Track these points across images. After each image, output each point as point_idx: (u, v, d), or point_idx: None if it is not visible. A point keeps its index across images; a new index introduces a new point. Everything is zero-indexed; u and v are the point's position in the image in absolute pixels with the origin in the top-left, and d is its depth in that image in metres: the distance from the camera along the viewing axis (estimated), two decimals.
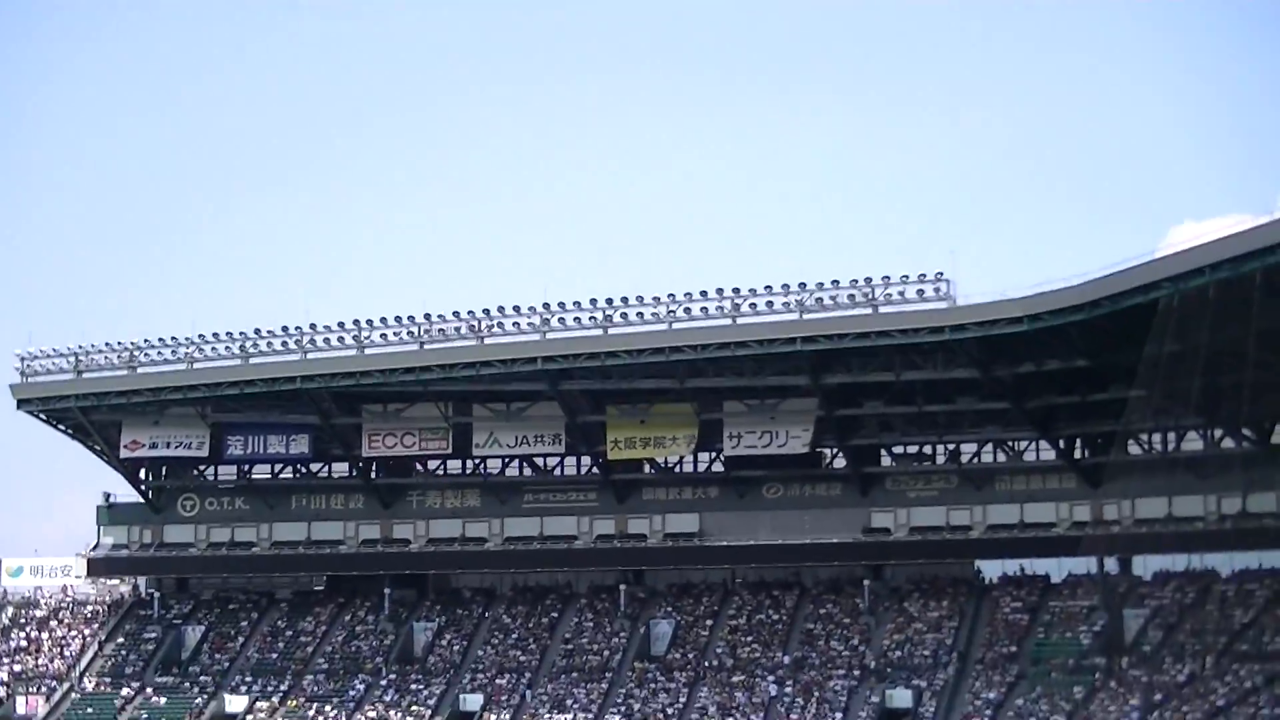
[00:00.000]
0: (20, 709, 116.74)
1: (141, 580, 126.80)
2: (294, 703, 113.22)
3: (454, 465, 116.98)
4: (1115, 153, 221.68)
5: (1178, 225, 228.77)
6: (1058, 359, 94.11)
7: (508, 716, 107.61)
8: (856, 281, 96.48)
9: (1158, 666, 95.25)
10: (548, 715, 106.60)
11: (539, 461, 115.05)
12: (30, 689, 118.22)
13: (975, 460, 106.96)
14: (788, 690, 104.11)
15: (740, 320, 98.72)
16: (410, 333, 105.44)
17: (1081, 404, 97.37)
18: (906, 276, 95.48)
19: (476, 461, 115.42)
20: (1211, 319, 78.65)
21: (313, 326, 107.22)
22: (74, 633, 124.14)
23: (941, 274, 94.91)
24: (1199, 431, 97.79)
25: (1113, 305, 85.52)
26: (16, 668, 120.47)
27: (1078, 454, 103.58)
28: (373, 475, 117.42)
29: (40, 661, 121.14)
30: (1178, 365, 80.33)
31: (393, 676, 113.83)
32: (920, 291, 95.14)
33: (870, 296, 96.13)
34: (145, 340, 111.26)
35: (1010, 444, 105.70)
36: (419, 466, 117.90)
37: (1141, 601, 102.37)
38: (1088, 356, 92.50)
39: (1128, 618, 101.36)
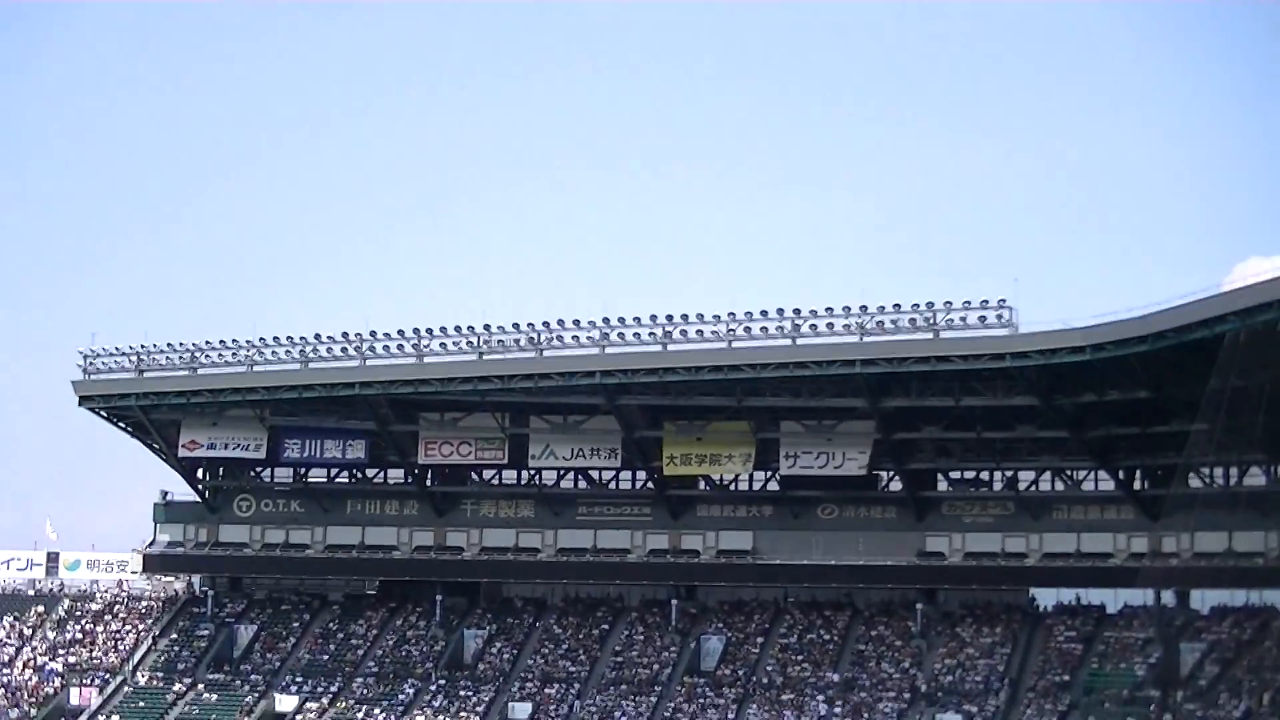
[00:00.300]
0: (74, 700, 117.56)
1: (196, 578, 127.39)
2: (343, 704, 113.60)
3: (509, 475, 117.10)
4: (1182, 186, 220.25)
5: (1243, 261, 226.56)
6: (1119, 390, 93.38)
7: None
8: (918, 306, 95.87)
9: (1213, 702, 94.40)
10: None
11: (594, 474, 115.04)
12: (84, 680, 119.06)
13: (1033, 488, 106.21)
14: (837, 710, 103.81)
15: (800, 341, 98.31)
16: (469, 342, 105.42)
17: (1142, 435, 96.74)
18: (969, 302, 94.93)
19: (531, 472, 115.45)
20: (1277, 355, 77.85)
21: (372, 333, 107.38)
22: (128, 627, 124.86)
23: (1004, 301, 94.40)
24: (1261, 467, 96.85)
25: (1177, 338, 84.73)
26: (71, 659, 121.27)
27: (1137, 485, 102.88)
28: (428, 482, 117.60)
29: (94, 654, 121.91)
30: (1241, 400, 79.53)
31: (442, 682, 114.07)
32: (982, 318, 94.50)
33: (931, 321, 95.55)
34: (206, 342, 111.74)
35: (1069, 473, 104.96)
36: (474, 475, 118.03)
37: (1198, 636, 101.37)
38: (1149, 388, 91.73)
39: (1184, 651, 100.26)
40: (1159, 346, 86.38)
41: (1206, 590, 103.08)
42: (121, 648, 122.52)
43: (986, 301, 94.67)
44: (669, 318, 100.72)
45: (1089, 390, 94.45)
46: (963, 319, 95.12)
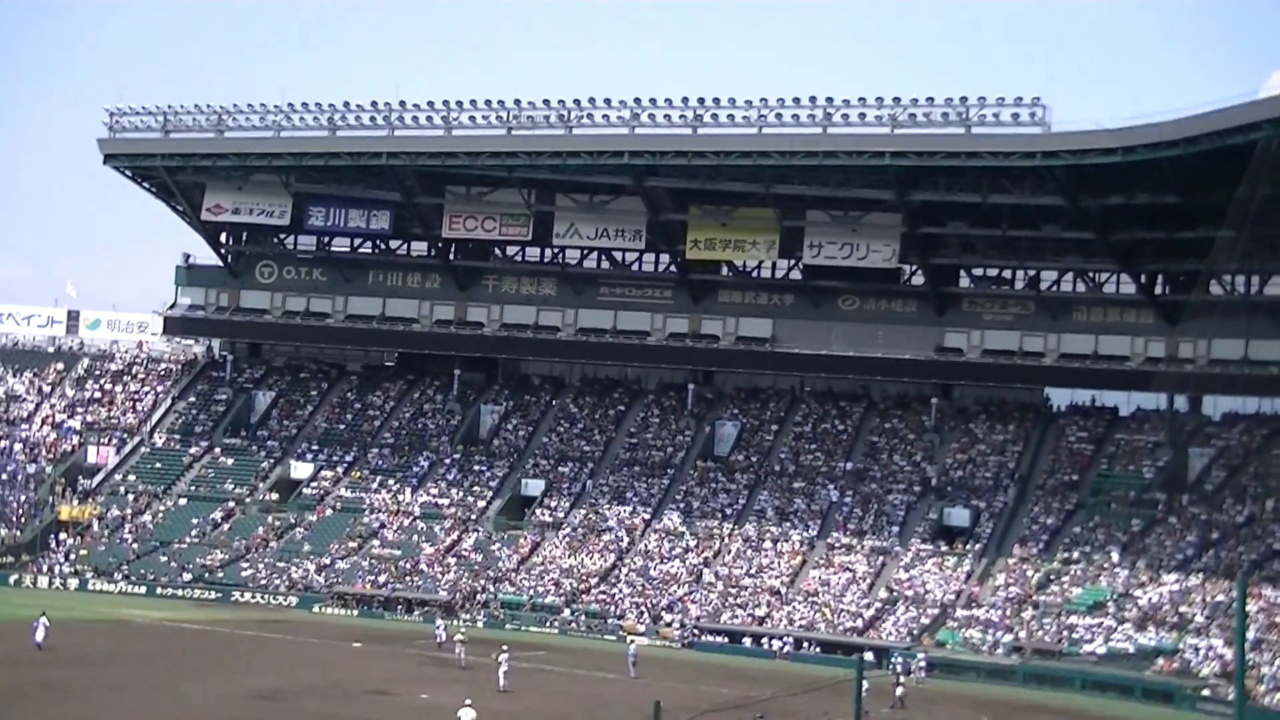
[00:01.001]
0: (91, 458, 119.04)
1: (215, 342, 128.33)
2: (358, 474, 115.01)
3: (532, 253, 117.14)
4: None
5: None
6: (1147, 193, 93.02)
7: (567, 504, 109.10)
8: (951, 100, 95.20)
9: (1218, 506, 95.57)
10: (607, 506, 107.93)
11: (617, 256, 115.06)
12: (101, 439, 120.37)
13: (1054, 288, 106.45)
14: (847, 500, 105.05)
15: (830, 130, 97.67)
16: (499, 117, 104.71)
17: (1167, 240, 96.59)
18: (1002, 98, 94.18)
19: (555, 251, 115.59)
20: None
21: (401, 104, 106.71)
22: (146, 388, 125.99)
23: (1038, 99, 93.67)
24: None
25: (1209, 143, 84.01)
26: (89, 418, 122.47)
27: (1158, 290, 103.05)
28: (451, 256, 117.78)
29: (112, 414, 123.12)
30: (1269, 209, 79.16)
31: (457, 456, 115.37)
32: (1015, 115, 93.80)
33: (964, 116, 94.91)
34: (234, 105, 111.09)
35: (1091, 275, 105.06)
36: (497, 251, 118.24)
37: (1208, 441, 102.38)
38: (1178, 193, 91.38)
39: (1192, 456, 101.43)
40: (1191, 151, 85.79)
41: (1220, 397, 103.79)
42: (140, 408, 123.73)
43: (1020, 98, 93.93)
44: (700, 100, 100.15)
45: (1117, 192, 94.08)
46: (995, 115, 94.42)
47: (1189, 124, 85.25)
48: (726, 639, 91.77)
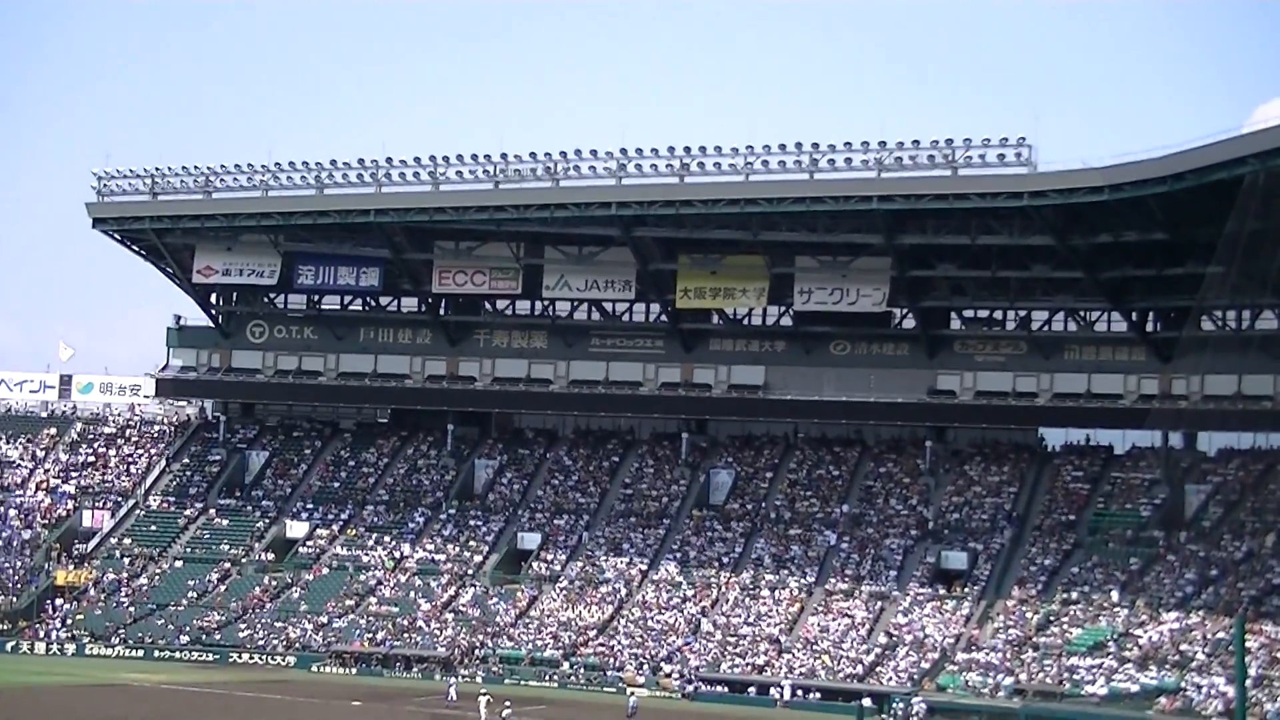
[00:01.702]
0: (86, 522, 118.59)
1: (208, 403, 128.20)
2: (353, 532, 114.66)
3: (523, 306, 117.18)
4: (1206, 26, 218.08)
5: (1265, 104, 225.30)
6: (1136, 231, 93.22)
7: (564, 556, 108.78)
8: (937, 143, 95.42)
9: (1216, 542, 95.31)
10: (604, 557, 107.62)
11: (608, 306, 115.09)
12: (96, 503, 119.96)
13: (1045, 328, 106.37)
14: (843, 546, 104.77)
15: (817, 175, 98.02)
16: (486, 171, 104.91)
17: (1157, 277, 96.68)
18: (988, 140, 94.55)
19: (545, 303, 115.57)
20: None
21: (389, 160, 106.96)
22: (140, 451, 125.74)
23: (1024, 139, 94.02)
24: (1274, 311, 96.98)
25: (1196, 179, 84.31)
26: (84, 482, 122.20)
27: (1149, 327, 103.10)
28: (441, 311, 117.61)
29: (107, 477, 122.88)
30: (1258, 244, 79.22)
31: (452, 511, 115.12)
32: (1001, 155, 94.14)
33: (950, 158, 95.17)
34: (221, 166, 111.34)
35: (1082, 314, 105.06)
36: (488, 305, 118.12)
37: (1204, 477, 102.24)
38: (1166, 230, 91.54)
39: (1189, 493, 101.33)
40: (1178, 188, 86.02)
41: (1214, 432, 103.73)
42: (134, 471, 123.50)
43: (1006, 139, 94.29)
44: (686, 149, 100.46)
45: (1105, 231, 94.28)
46: (981, 156, 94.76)
47: (1175, 161, 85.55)
48: (727, 688, 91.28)
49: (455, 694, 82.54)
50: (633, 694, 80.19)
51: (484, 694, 75.98)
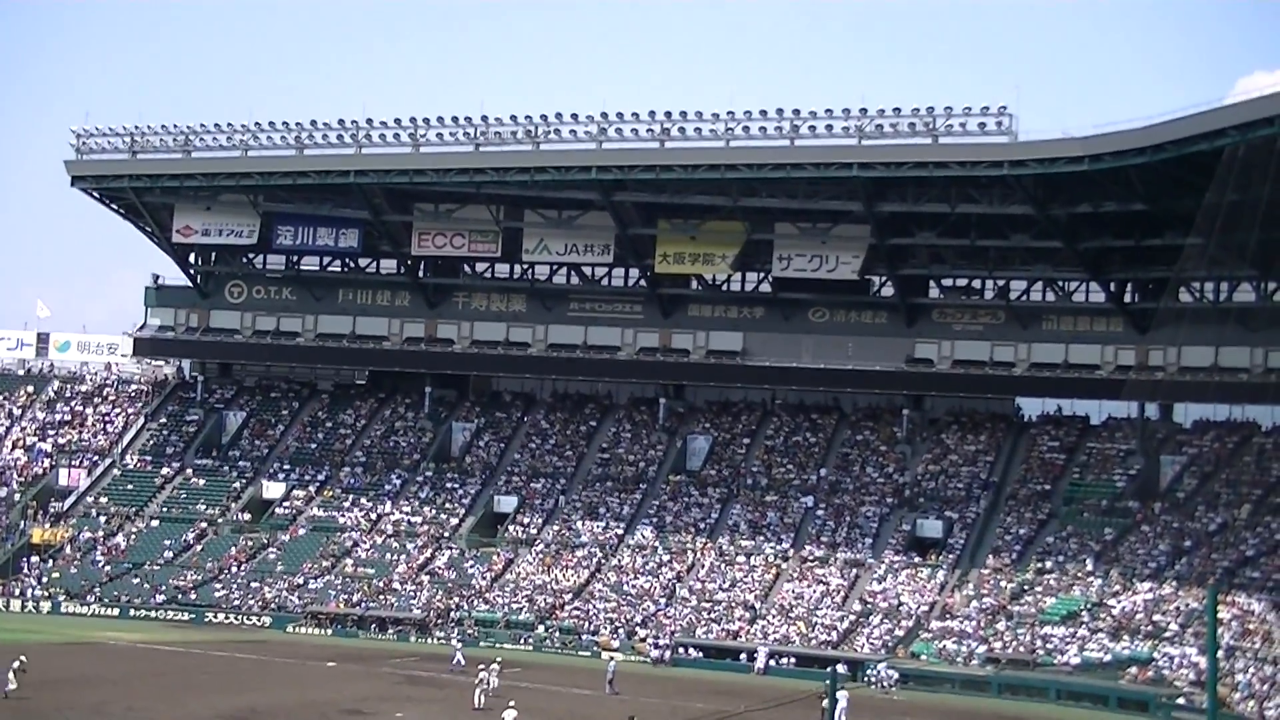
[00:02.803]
0: (63, 480, 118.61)
1: (186, 363, 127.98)
2: (330, 493, 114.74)
3: (502, 269, 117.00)
4: (1187, 1, 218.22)
5: (1247, 76, 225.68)
6: (1115, 201, 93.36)
7: (540, 520, 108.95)
8: (918, 110, 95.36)
9: (1190, 514, 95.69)
10: (580, 521, 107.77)
11: (587, 271, 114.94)
12: (73, 462, 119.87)
13: (1024, 298, 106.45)
14: (819, 513, 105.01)
15: (798, 142, 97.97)
16: (466, 134, 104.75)
17: (1135, 248, 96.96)
18: (969, 108, 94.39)
19: (525, 267, 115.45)
20: (1276, 171, 77.43)
21: (369, 121, 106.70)
22: (117, 410, 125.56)
23: (1005, 108, 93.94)
24: (1252, 283, 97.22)
25: (1176, 150, 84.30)
26: (60, 440, 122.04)
27: (1127, 298, 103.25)
28: (420, 274, 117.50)
29: (83, 436, 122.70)
30: (1237, 216, 79.17)
31: (429, 474, 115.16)
32: (982, 124, 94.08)
33: (931, 126, 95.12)
34: (200, 125, 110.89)
35: (1060, 284, 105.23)
36: (467, 268, 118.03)
37: (1180, 449, 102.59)
38: (1146, 201, 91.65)
39: (1164, 464, 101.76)
40: (1158, 159, 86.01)
41: (1191, 404, 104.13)
42: (111, 430, 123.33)
43: (987, 108, 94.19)
44: (667, 114, 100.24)
45: (1085, 201, 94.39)
46: (962, 125, 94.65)
47: (1155, 132, 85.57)
48: (702, 654, 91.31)
49: (463, 658, 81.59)
50: (612, 659, 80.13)
51: (498, 662, 72.97)
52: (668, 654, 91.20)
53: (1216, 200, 79.61)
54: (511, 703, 56.70)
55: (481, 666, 70.38)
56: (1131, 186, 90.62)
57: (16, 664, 64.55)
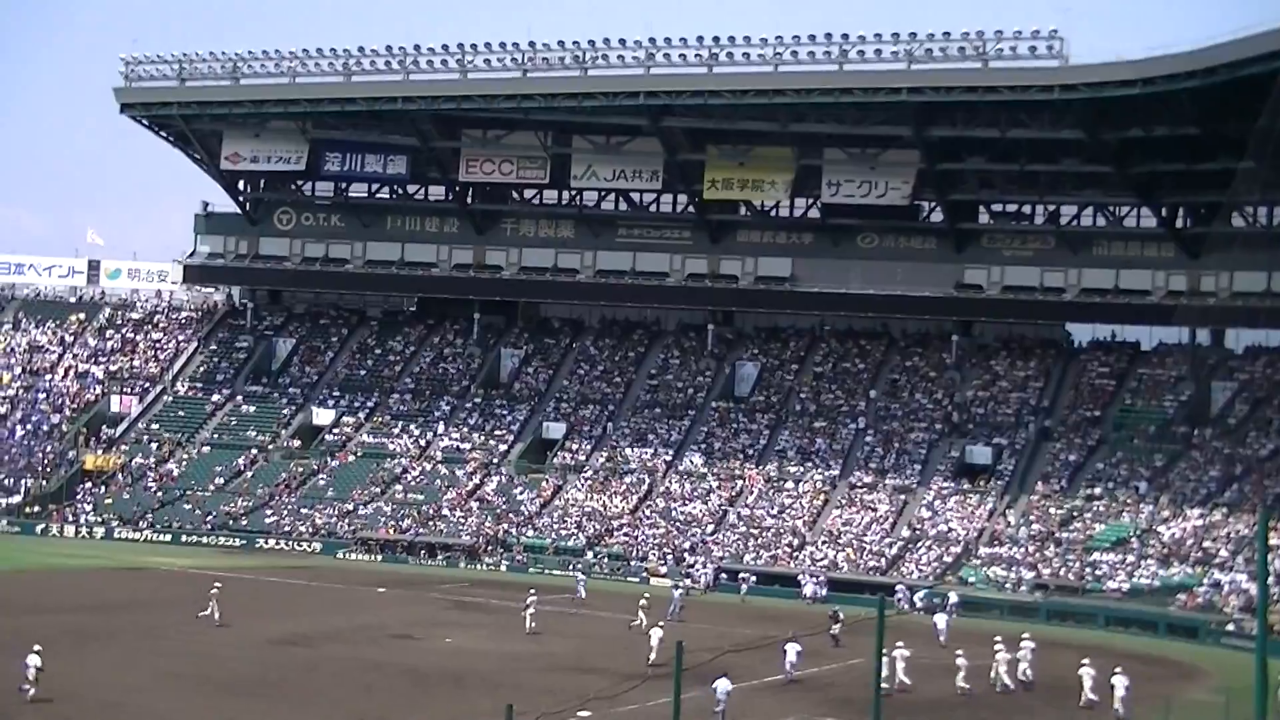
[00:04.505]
0: (114, 407, 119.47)
1: (235, 290, 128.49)
2: (379, 419, 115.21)
3: (550, 195, 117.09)
4: None
5: None
6: (1167, 125, 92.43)
7: (589, 446, 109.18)
8: (968, 34, 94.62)
9: (1241, 440, 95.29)
10: (628, 448, 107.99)
11: (635, 197, 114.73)
12: (125, 389, 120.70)
13: (1074, 223, 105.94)
14: (868, 439, 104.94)
15: (847, 67, 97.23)
16: (514, 59, 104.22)
17: (1187, 172, 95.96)
18: (1019, 32, 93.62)
19: (573, 193, 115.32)
20: None
21: (416, 48, 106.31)
22: (168, 337, 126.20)
23: (1055, 31, 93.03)
24: None
25: (1229, 74, 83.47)
26: (112, 367, 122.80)
27: (1179, 223, 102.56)
28: (468, 200, 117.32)
29: (135, 363, 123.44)
30: None
31: (478, 400, 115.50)
32: (1032, 48, 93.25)
33: (980, 50, 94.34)
34: (249, 52, 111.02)
35: (1111, 209, 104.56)
36: (515, 194, 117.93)
37: (1231, 375, 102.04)
38: (1198, 125, 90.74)
39: (1215, 390, 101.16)
40: (1210, 82, 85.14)
41: (1242, 330, 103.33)
42: (161, 357, 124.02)
43: (1037, 31, 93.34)
44: (715, 39, 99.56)
45: (1136, 125, 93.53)
46: (1012, 49, 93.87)
47: (1208, 54, 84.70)
48: (755, 579, 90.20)
49: (584, 591, 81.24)
50: (679, 588, 78.54)
51: (644, 600, 69.78)
52: (822, 590, 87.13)
53: (1269, 124, 79.04)
54: (661, 623, 58.75)
55: (532, 591, 70.77)
56: (1183, 110, 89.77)
57: (215, 589, 65.46)
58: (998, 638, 58.31)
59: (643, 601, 68.54)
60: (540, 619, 67.82)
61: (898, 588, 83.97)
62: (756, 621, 72.62)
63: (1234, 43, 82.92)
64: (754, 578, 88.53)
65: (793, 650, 55.46)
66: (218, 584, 66.44)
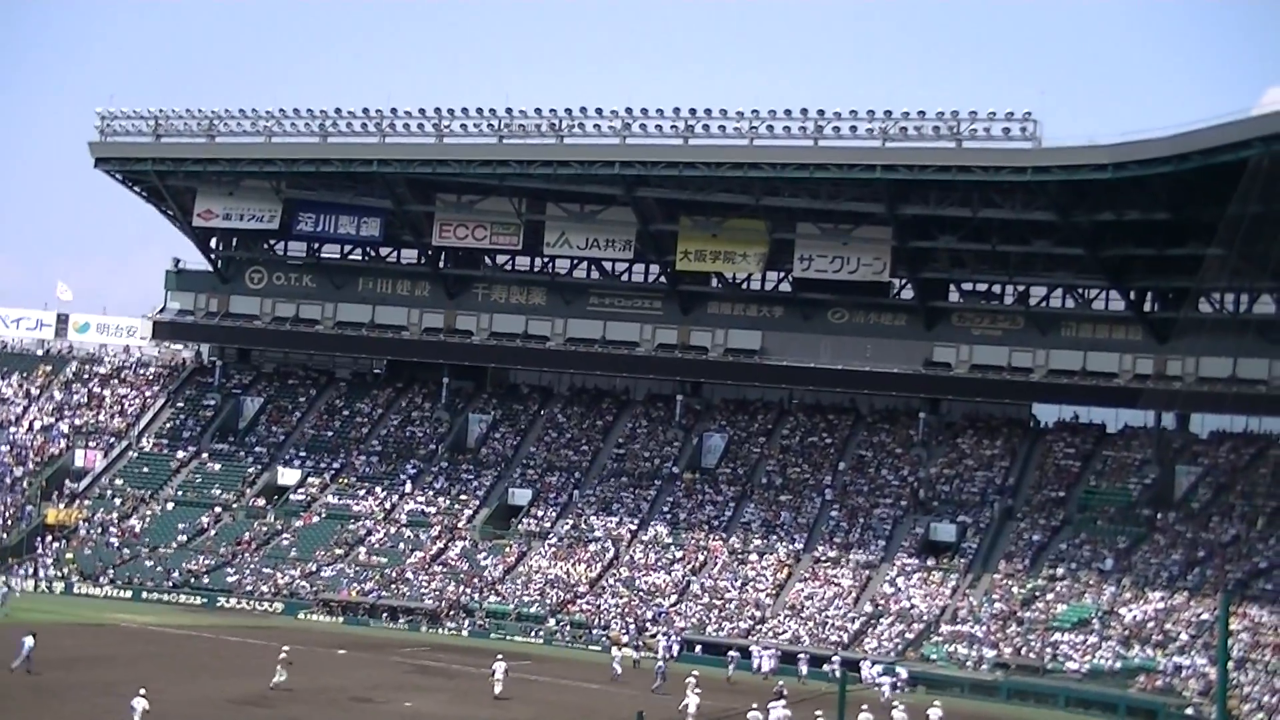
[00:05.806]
0: (79, 461, 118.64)
1: (205, 347, 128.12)
2: (345, 481, 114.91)
3: (522, 262, 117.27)
4: (1215, 9, 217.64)
5: (1275, 86, 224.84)
6: (1138, 210, 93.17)
7: (554, 513, 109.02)
8: (943, 114, 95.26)
9: (1204, 524, 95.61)
10: (594, 516, 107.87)
11: (607, 266, 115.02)
12: (89, 443, 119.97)
13: (1044, 304, 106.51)
14: (833, 514, 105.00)
15: (822, 142, 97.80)
16: (490, 125, 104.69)
17: (1157, 257, 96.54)
18: (994, 113, 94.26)
19: (545, 260, 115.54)
20: None
21: (393, 111, 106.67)
22: (135, 393, 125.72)
23: (1029, 114, 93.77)
24: (1272, 295, 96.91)
25: (1201, 160, 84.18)
26: (78, 421, 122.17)
27: (1147, 306, 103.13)
28: (441, 264, 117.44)
29: (101, 417, 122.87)
30: (1259, 227, 79.20)
31: (444, 464, 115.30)
32: (1006, 129, 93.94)
33: (955, 130, 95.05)
34: (226, 110, 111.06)
35: (1080, 291, 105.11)
36: (487, 260, 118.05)
37: (1195, 459, 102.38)
38: (1169, 210, 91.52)
39: (1179, 473, 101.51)
40: (1183, 168, 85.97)
41: (1208, 415, 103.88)
42: (128, 412, 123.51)
43: (1011, 113, 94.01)
44: (691, 111, 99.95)
45: (1108, 209, 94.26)
46: (986, 129, 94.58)
47: (1181, 141, 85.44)
48: (704, 650, 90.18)
49: (620, 668, 79.35)
50: (662, 661, 78.52)
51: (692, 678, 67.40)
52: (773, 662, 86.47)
53: (1240, 211, 79.60)
54: (690, 680, 60.79)
55: (499, 656, 70.55)
56: (1155, 195, 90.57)
57: (284, 654, 66.00)
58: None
59: (496, 665, 68.20)
60: (508, 685, 67.57)
61: (861, 663, 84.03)
62: (720, 693, 72.44)
63: (1206, 130, 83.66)
64: (739, 654, 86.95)
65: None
66: (286, 648, 66.26)
